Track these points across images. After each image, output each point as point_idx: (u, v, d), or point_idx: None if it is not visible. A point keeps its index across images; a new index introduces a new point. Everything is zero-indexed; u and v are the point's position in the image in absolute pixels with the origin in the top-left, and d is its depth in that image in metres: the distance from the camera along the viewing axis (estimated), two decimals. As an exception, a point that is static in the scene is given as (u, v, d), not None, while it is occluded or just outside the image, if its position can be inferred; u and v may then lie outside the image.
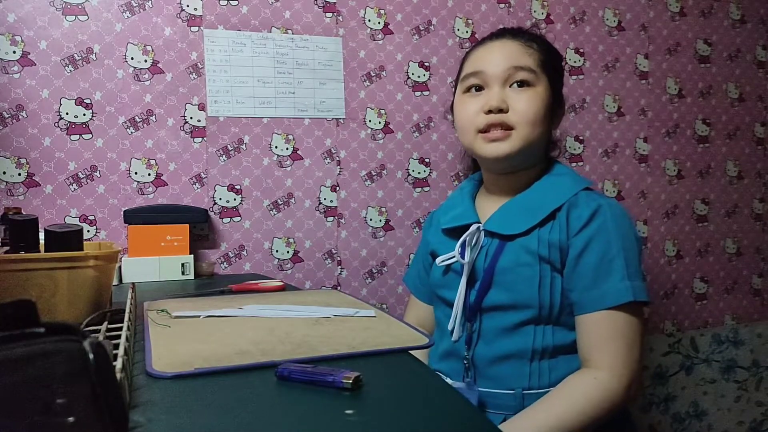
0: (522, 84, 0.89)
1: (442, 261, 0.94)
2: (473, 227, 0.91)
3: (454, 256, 0.92)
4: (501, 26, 1.56)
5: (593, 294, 0.83)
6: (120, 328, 0.62)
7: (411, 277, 1.18)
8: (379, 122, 1.47)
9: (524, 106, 0.88)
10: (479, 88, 0.92)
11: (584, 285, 0.84)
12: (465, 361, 0.91)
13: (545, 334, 0.86)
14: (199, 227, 1.32)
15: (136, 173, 1.27)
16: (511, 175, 0.95)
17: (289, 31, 1.38)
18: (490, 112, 0.89)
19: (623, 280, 0.82)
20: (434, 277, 1.01)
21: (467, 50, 1.02)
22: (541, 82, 0.90)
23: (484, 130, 0.90)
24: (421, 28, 1.50)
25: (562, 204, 0.88)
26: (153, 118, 1.28)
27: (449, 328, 0.91)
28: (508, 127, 0.89)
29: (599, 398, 0.79)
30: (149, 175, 1.28)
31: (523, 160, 0.92)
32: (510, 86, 0.90)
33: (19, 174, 1.19)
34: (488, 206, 0.97)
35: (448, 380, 0.93)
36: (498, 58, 0.91)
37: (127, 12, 1.26)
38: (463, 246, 0.90)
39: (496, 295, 0.89)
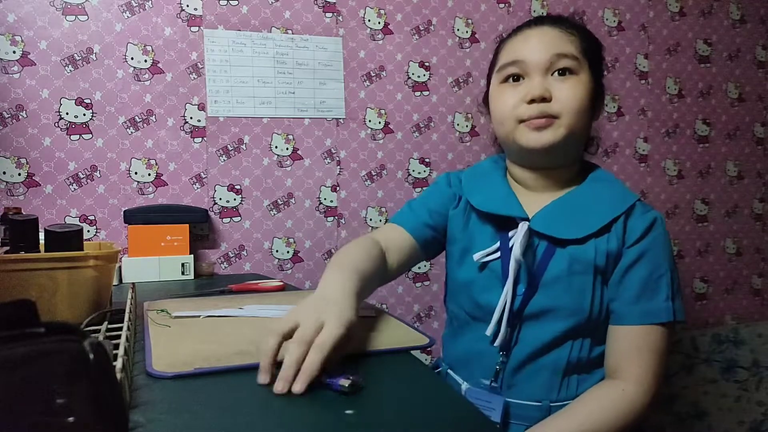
0: (564, 72, 0.84)
1: (482, 257, 0.86)
2: (523, 227, 0.84)
3: (495, 252, 0.85)
4: (500, 27, 1.57)
5: (638, 308, 0.81)
6: (120, 328, 0.62)
7: (403, 217, 0.98)
8: (379, 122, 1.47)
9: (568, 94, 0.83)
10: (518, 78, 0.86)
11: (629, 297, 0.81)
12: (498, 365, 0.85)
13: (583, 348, 0.83)
14: (199, 227, 1.32)
15: (136, 173, 1.27)
16: (547, 172, 0.89)
17: (289, 31, 1.38)
18: (532, 101, 0.83)
19: (667, 300, 0.81)
20: (466, 274, 0.91)
21: (502, 39, 0.95)
22: (584, 70, 0.85)
23: (526, 119, 0.84)
24: (421, 28, 1.50)
25: (621, 213, 0.83)
26: (153, 118, 1.28)
27: (488, 333, 0.84)
28: (552, 116, 0.83)
29: (626, 410, 0.77)
30: (149, 175, 1.28)
31: (565, 153, 0.87)
32: (552, 74, 0.84)
33: (19, 174, 1.19)
34: (525, 200, 0.89)
35: (465, 385, 0.88)
36: (538, 46, 0.85)
37: (127, 12, 1.26)
38: (519, 246, 0.82)
39: (542, 302, 0.83)
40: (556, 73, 0.84)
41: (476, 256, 0.86)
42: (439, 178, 1.01)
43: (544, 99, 0.82)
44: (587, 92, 0.84)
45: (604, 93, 0.91)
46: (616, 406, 0.77)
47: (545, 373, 0.83)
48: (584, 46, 0.86)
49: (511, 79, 0.87)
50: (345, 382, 0.50)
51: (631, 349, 0.80)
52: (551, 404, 0.82)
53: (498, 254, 0.85)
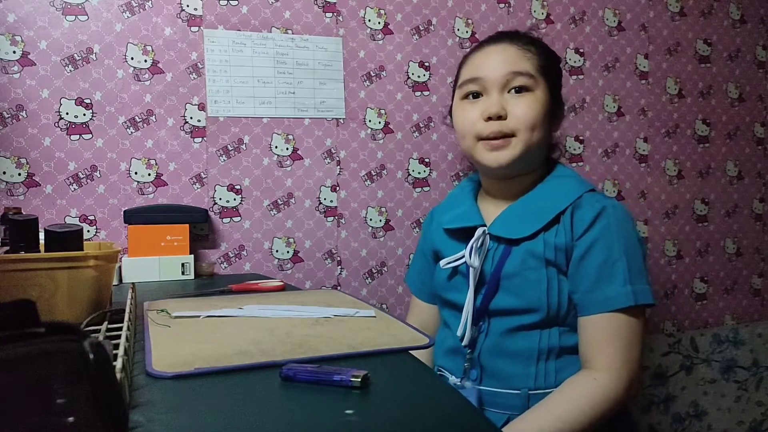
0: (521, 90, 0.89)
1: (447, 263, 0.94)
2: (479, 231, 0.91)
3: (459, 259, 0.92)
4: (500, 27, 1.57)
5: (595, 297, 0.83)
6: (120, 328, 0.62)
7: (412, 276, 1.17)
8: (379, 122, 1.47)
9: (523, 111, 0.88)
10: (477, 95, 0.92)
11: (586, 287, 0.84)
12: (467, 363, 0.91)
13: (551, 336, 0.86)
14: (199, 227, 1.32)
15: (136, 173, 1.27)
16: (510, 180, 0.95)
17: (289, 31, 1.38)
18: (489, 119, 0.89)
19: (625, 284, 0.82)
20: (439, 279, 1.01)
21: (464, 54, 1.01)
22: (540, 86, 0.90)
23: (485, 138, 0.90)
24: (421, 28, 1.50)
25: (567, 207, 0.88)
26: (153, 118, 1.28)
27: (458, 333, 0.91)
28: (508, 135, 0.89)
29: (599, 399, 0.79)
30: (149, 175, 1.28)
31: (524, 165, 0.93)
32: (508, 92, 0.90)
33: (19, 174, 1.19)
34: (490, 209, 0.97)
35: (452, 378, 0.93)
36: (496, 64, 0.91)
37: (127, 12, 1.26)
38: (470, 251, 0.90)
39: (503, 299, 0.89)
40: (513, 90, 0.90)
41: (442, 263, 0.95)
42: (423, 222, 1.19)
43: (500, 117, 0.89)
44: (543, 108, 0.90)
45: (562, 104, 0.98)
46: (589, 396, 0.80)
47: (518, 361, 0.87)
48: (541, 63, 0.92)
49: (471, 96, 0.94)
50: (357, 375, 0.50)
51: (598, 339, 0.83)
52: (530, 392, 0.86)
53: (463, 259, 0.92)
